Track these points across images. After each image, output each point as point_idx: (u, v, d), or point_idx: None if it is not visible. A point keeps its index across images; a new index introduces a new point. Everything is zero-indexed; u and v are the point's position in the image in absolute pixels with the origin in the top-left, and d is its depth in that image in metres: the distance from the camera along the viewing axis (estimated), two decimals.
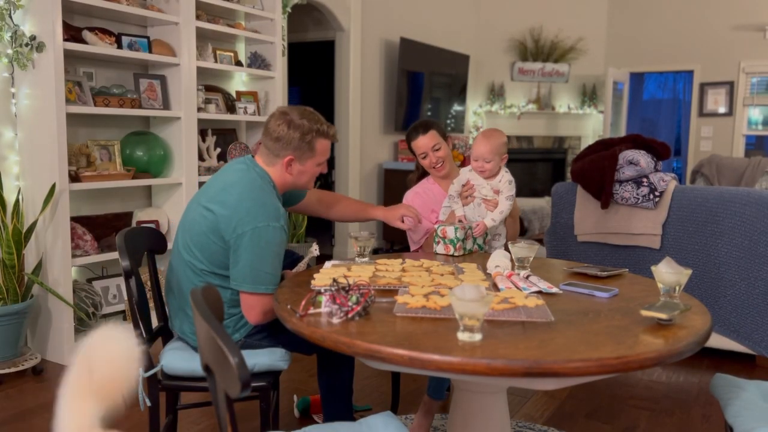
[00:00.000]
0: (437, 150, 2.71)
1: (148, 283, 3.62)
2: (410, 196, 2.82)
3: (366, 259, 2.22)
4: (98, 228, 3.71)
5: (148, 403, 2.01)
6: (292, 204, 2.46)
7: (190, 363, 2.01)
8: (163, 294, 2.23)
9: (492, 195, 2.57)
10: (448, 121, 7.61)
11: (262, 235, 1.92)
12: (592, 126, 8.54)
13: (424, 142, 2.70)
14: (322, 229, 7.33)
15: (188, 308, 2.07)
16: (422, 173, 2.90)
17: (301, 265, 2.25)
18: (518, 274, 1.97)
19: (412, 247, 2.79)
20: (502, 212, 2.52)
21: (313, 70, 7.97)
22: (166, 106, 3.86)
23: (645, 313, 1.55)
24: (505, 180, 2.56)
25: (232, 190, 2.00)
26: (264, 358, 2.03)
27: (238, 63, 4.41)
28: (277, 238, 1.95)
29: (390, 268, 2.06)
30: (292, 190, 2.32)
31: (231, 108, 4.36)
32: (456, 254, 2.39)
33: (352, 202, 2.66)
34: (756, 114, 7.90)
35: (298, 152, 2.07)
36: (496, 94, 8.15)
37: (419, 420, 2.53)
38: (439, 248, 2.43)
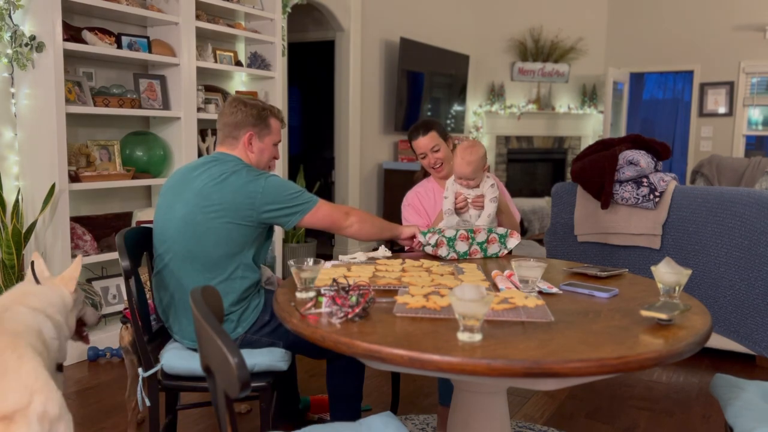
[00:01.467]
0: (436, 151, 2.72)
1: (148, 283, 3.63)
2: (411, 196, 2.84)
3: (311, 293, 1.77)
4: (98, 228, 3.71)
5: (148, 403, 2.01)
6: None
7: (189, 362, 2.01)
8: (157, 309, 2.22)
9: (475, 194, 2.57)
10: (448, 121, 7.61)
11: (269, 179, 2.08)
12: (592, 126, 8.54)
13: (423, 142, 2.72)
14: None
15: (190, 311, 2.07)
16: (426, 172, 2.92)
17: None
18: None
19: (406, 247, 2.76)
20: (489, 215, 2.53)
21: (313, 70, 7.97)
22: (165, 106, 3.86)
23: (645, 313, 1.54)
24: (488, 185, 2.57)
25: (220, 179, 2.06)
26: (263, 358, 2.02)
27: (238, 63, 4.41)
28: (278, 178, 2.12)
29: (390, 269, 2.06)
30: None
31: None
32: (445, 256, 2.32)
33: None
34: (756, 114, 7.90)
35: (257, 128, 2.21)
36: (496, 94, 8.15)
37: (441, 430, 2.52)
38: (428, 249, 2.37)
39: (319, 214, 2.14)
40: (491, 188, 2.55)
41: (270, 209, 2.06)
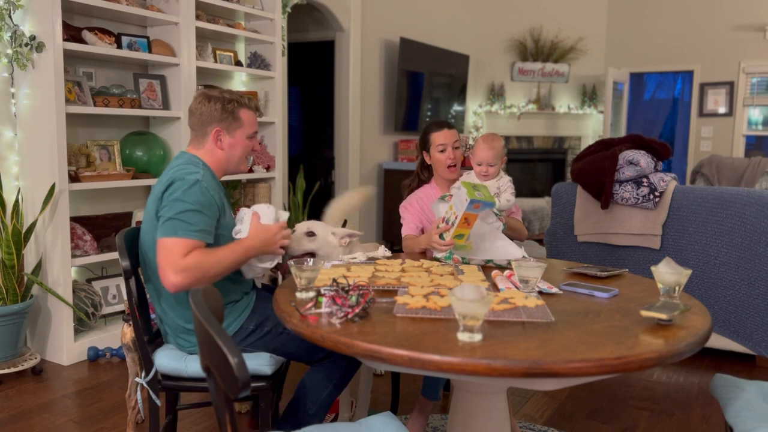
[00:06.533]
0: (456, 148, 2.69)
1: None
2: (411, 198, 2.75)
3: (311, 293, 1.78)
4: (98, 228, 3.71)
5: (158, 403, 2.02)
6: None
7: (179, 363, 2.00)
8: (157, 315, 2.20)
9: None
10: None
11: (188, 190, 1.91)
12: (592, 126, 8.54)
13: (448, 134, 2.68)
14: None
15: (178, 318, 2.06)
16: (419, 182, 2.82)
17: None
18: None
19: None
20: (508, 200, 2.51)
21: (313, 70, 7.97)
22: (165, 106, 3.86)
23: (645, 313, 1.54)
24: (506, 179, 2.57)
25: (161, 178, 2.02)
26: (249, 363, 1.98)
27: (238, 63, 4.41)
28: (197, 190, 1.92)
29: (389, 269, 2.06)
30: None
31: None
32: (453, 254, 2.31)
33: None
34: (756, 114, 7.90)
35: (224, 123, 2.08)
36: (496, 94, 8.15)
37: (414, 420, 2.52)
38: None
39: (167, 243, 1.85)
40: (509, 183, 2.55)
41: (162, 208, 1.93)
